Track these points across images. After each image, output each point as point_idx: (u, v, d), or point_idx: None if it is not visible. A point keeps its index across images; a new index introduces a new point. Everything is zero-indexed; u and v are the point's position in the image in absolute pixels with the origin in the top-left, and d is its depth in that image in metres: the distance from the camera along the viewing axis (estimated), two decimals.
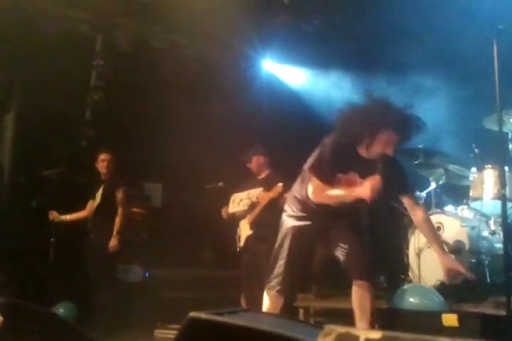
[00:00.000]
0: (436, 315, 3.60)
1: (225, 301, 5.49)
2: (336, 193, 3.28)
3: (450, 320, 3.50)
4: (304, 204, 3.53)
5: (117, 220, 5.58)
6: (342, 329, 1.00)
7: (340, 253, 3.51)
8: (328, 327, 1.01)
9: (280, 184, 4.88)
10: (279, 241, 3.59)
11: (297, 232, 3.53)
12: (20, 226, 5.99)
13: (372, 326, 3.29)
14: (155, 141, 6.87)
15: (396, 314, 4.03)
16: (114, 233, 5.51)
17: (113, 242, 5.48)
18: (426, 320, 3.67)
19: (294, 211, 3.59)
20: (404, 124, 3.18)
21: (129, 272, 6.40)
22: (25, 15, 6.02)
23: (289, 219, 3.59)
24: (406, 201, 3.54)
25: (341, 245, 3.51)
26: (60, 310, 5.47)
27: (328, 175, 3.28)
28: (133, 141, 6.73)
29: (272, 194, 4.98)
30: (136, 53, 6.81)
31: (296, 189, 3.63)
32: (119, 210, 5.63)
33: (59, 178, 6.01)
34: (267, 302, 3.56)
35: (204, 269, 6.82)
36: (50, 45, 6.13)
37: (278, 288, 3.51)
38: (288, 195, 3.81)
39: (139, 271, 6.53)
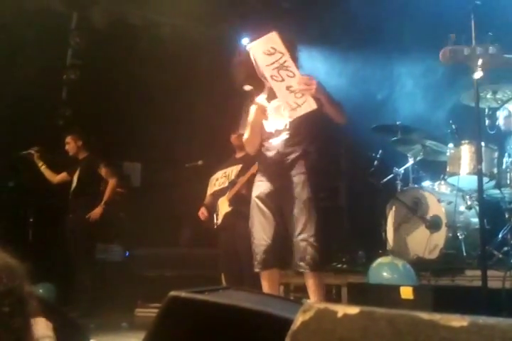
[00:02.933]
0: (395, 288, 3.66)
1: (206, 279, 5.51)
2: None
3: (407, 292, 3.57)
4: (262, 165, 3.65)
5: (107, 191, 5.60)
6: (321, 305, 1.01)
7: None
8: (307, 303, 1.02)
9: None
10: (250, 218, 3.59)
11: (259, 201, 3.52)
12: None
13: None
14: (133, 120, 6.81)
15: (361, 288, 4.11)
16: (102, 203, 5.52)
17: (97, 210, 5.48)
18: (386, 293, 3.74)
19: (258, 176, 3.65)
20: None
21: (109, 251, 6.40)
22: None
23: (255, 189, 3.61)
24: None
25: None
26: (40, 290, 5.46)
27: None
28: (110, 119, 6.66)
29: (253, 170, 4.98)
30: (113, 31, 6.69)
31: None
32: (110, 182, 5.66)
33: (33, 157, 5.95)
34: (264, 284, 3.51)
35: (184, 248, 6.82)
36: (25, 23, 5.99)
37: (260, 266, 3.48)
38: None
39: (118, 250, 6.53)
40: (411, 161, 5.15)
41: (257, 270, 3.48)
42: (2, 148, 6.23)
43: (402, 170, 5.16)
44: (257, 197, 3.54)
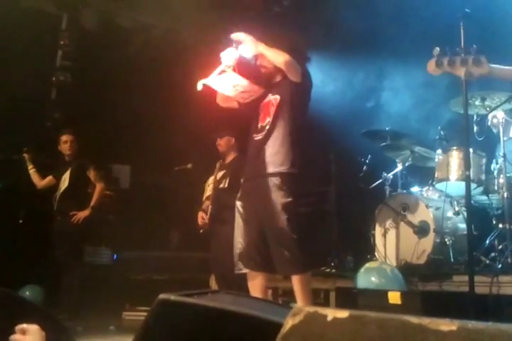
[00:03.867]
0: (383, 293, 3.68)
1: (194, 283, 5.51)
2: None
3: (394, 297, 3.58)
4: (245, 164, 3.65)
5: (95, 195, 5.56)
6: (310, 308, 1.01)
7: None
8: (297, 307, 1.02)
9: None
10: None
11: (239, 204, 3.52)
12: None
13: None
14: (122, 122, 6.79)
15: (350, 293, 4.12)
16: (89, 207, 5.48)
17: (83, 213, 5.43)
18: (374, 298, 3.75)
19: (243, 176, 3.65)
20: None
21: (97, 254, 6.37)
22: None
23: (240, 191, 3.62)
24: None
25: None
26: (27, 292, 5.43)
27: None
28: (100, 121, 6.63)
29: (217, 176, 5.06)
30: (103, 33, 6.68)
31: None
32: (97, 186, 5.61)
33: (24, 159, 5.91)
34: (250, 286, 3.49)
35: (172, 251, 6.82)
36: (15, 24, 5.96)
37: (236, 269, 3.46)
38: None
39: (107, 253, 6.51)
40: (400, 167, 5.18)
41: (235, 272, 3.48)
42: None
43: (390, 175, 5.19)
44: (238, 199, 3.55)
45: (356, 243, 5.47)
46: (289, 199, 3.32)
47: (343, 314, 0.98)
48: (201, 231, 5.24)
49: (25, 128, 6.19)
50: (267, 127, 3.46)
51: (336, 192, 5.99)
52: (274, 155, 3.40)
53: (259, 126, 3.52)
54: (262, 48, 3.36)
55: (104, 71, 6.61)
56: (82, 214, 5.45)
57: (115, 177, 7.23)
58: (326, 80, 6.17)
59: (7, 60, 6.03)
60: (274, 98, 3.51)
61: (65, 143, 5.66)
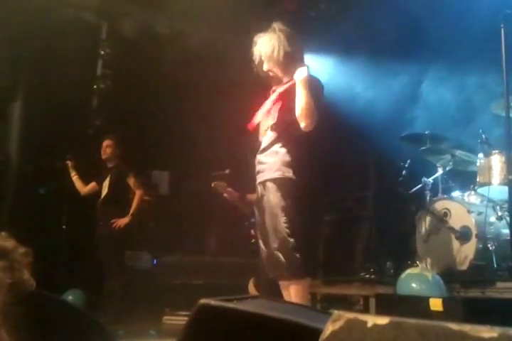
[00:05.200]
0: (425, 300, 3.62)
1: (232, 288, 5.52)
2: None
3: (436, 304, 3.52)
4: None
5: (135, 202, 5.65)
6: (350, 315, 1.01)
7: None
8: (337, 313, 1.02)
9: None
10: None
11: (255, 209, 3.53)
12: (30, 215, 6.04)
13: None
14: (162, 129, 6.88)
15: (390, 299, 4.07)
16: (129, 214, 5.58)
17: (124, 220, 5.53)
18: (415, 305, 3.70)
19: None
20: None
21: (138, 259, 6.46)
22: (30, 3, 5.99)
23: None
24: None
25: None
26: (70, 297, 5.53)
27: None
28: (139, 128, 6.74)
29: None
30: (142, 41, 6.79)
31: None
32: (137, 193, 5.70)
33: (67, 166, 6.05)
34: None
35: (211, 256, 6.85)
36: (56, 34, 6.12)
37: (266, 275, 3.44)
38: None
39: (147, 258, 6.58)
40: (440, 171, 5.10)
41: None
42: (33, 157, 6.36)
43: (431, 180, 5.11)
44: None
45: (396, 249, 5.40)
46: (288, 203, 3.27)
47: (383, 320, 0.97)
48: (253, 241, 5.26)
49: (67, 135, 6.34)
50: (268, 132, 3.48)
51: (375, 197, 5.94)
52: (270, 162, 3.41)
53: (261, 130, 3.55)
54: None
55: (143, 78, 6.72)
56: (123, 221, 5.55)
57: (154, 183, 7.33)
58: (364, 84, 6.13)
59: (50, 70, 6.19)
60: (276, 103, 3.49)
61: (107, 148, 5.78)
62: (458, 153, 4.97)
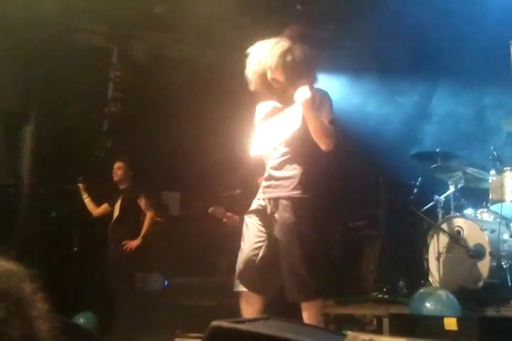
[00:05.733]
0: (439, 320, 3.57)
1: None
2: None
3: (450, 323, 3.47)
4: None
5: (145, 224, 5.67)
6: (365, 336, 1.00)
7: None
8: (352, 335, 1.01)
9: None
10: None
11: (246, 222, 3.39)
12: (42, 237, 6.05)
13: None
14: (172, 151, 6.91)
15: (404, 319, 4.01)
16: (140, 236, 5.58)
17: (134, 242, 5.53)
18: (429, 325, 3.65)
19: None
20: None
21: (149, 281, 6.43)
22: (41, 29, 6.09)
23: None
24: None
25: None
26: (81, 319, 5.50)
27: None
28: (150, 150, 6.78)
29: None
30: (152, 64, 6.87)
31: None
32: (148, 215, 5.72)
33: (79, 189, 6.08)
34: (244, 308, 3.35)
35: (222, 277, 6.81)
36: (68, 59, 6.21)
37: (238, 286, 3.33)
38: None
39: (158, 279, 6.56)
40: (452, 188, 5.07)
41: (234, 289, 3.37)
42: (45, 180, 6.40)
43: (443, 197, 5.08)
44: (248, 214, 3.44)
45: (408, 267, 5.36)
46: (303, 223, 3.16)
47: None
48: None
49: (79, 158, 6.39)
50: (279, 148, 3.34)
51: (386, 216, 5.91)
52: (285, 179, 3.27)
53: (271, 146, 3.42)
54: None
55: (153, 101, 6.78)
56: (134, 243, 5.55)
57: (165, 204, 7.33)
58: (375, 103, 6.15)
59: (61, 93, 6.26)
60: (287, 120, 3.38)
61: (118, 170, 5.82)
62: (469, 170, 4.96)
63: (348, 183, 6.16)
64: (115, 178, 5.85)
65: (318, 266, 3.21)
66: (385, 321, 4.44)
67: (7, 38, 5.87)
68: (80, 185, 6.02)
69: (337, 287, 5.56)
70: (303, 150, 3.26)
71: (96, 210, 6.01)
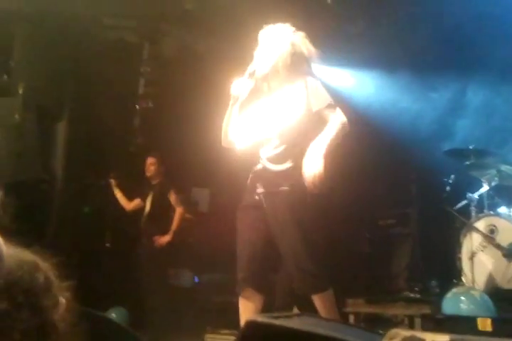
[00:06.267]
0: (472, 320, 3.51)
1: (273, 305, 5.47)
2: None
3: (484, 324, 3.41)
4: None
5: (175, 220, 5.71)
6: (407, 332, 0.98)
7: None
8: (394, 331, 0.99)
9: None
10: None
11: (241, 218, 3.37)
12: (74, 233, 6.13)
13: None
14: (202, 146, 6.92)
15: (436, 319, 3.96)
16: (171, 231, 5.62)
17: (165, 238, 5.57)
18: (462, 325, 3.58)
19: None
20: None
21: (179, 277, 6.47)
22: (75, 27, 6.17)
23: None
24: None
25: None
26: (113, 314, 5.56)
27: None
28: (180, 146, 6.81)
29: None
30: (182, 59, 6.90)
31: None
32: (178, 210, 5.76)
33: (111, 184, 6.14)
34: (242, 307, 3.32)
35: None
36: (100, 55, 6.28)
37: (242, 285, 3.31)
38: None
39: (188, 275, 6.60)
40: (486, 186, 4.97)
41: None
42: (78, 175, 6.48)
43: (476, 195, 4.99)
44: (241, 209, 3.48)
45: (441, 267, 5.28)
46: (305, 216, 3.14)
47: (443, 338, 0.94)
48: None
49: (111, 153, 6.46)
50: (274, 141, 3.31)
51: (418, 214, 5.84)
52: (282, 172, 3.21)
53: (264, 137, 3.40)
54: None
55: (184, 96, 6.80)
56: (164, 239, 5.59)
57: (194, 200, 7.36)
58: (408, 98, 6.06)
59: (94, 89, 6.34)
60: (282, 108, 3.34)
61: (150, 166, 5.88)
62: (504, 167, 4.86)
63: (379, 180, 6.09)
64: (148, 174, 5.91)
65: (322, 256, 3.19)
66: (417, 321, 4.38)
67: (40, 34, 5.95)
68: (112, 181, 6.08)
69: (368, 286, 5.51)
70: (300, 142, 3.17)
71: (129, 205, 6.06)
